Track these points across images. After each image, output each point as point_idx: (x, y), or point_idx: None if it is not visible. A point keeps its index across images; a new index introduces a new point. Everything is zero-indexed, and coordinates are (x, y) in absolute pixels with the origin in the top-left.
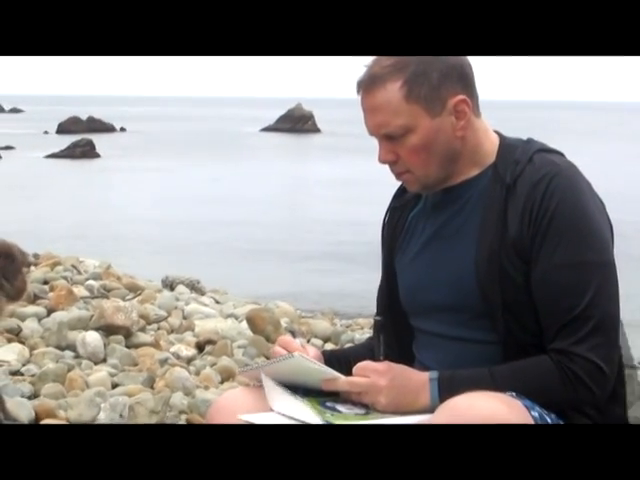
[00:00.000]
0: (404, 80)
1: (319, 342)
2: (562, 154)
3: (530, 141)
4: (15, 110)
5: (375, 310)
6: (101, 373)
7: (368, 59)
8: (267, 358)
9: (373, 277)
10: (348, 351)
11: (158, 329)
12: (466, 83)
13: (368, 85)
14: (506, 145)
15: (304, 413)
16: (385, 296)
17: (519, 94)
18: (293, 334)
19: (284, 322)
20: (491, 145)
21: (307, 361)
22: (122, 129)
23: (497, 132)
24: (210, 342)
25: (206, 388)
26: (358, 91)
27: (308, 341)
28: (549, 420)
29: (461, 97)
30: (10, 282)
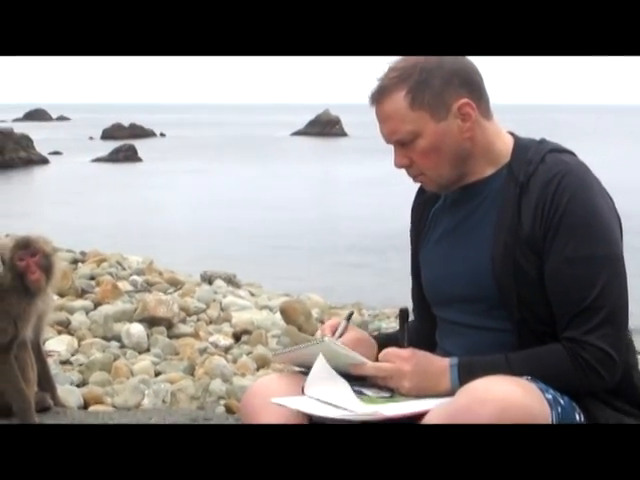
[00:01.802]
0: (408, 89)
1: None
2: (573, 154)
3: (543, 141)
4: (62, 118)
5: (400, 300)
6: (145, 362)
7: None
8: None
9: (398, 270)
10: (384, 337)
11: (198, 320)
12: (472, 87)
13: (378, 96)
14: (520, 145)
15: (341, 395)
16: (412, 288)
17: (536, 98)
18: (350, 316)
19: (315, 313)
20: (504, 145)
21: (336, 346)
22: (162, 134)
23: (512, 133)
24: (246, 332)
25: (243, 375)
26: (371, 103)
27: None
28: (562, 402)
29: (465, 101)
30: (11, 281)
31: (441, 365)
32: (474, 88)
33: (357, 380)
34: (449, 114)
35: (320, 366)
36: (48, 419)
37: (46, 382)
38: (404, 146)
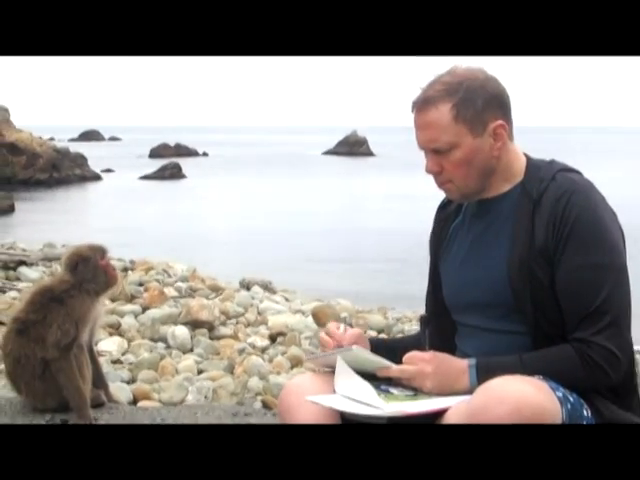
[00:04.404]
0: (454, 103)
1: (374, 333)
2: (580, 173)
3: (553, 162)
4: (113, 138)
5: (421, 305)
6: (188, 361)
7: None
8: None
9: (420, 278)
10: (398, 340)
11: (237, 323)
12: (505, 110)
13: (422, 105)
14: (532, 165)
15: (365, 394)
16: (431, 295)
17: (546, 121)
18: (345, 321)
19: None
20: (520, 165)
21: (364, 352)
22: (205, 154)
23: (524, 154)
24: (281, 334)
25: (278, 373)
26: (413, 109)
27: (364, 332)
28: (571, 399)
29: (500, 122)
30: (93, 281)
31: (460, 366)
32: (507, 111)
33: (384, 380)
34: (485, 132)
35: (341, 368)
36: (102, 414)
37: (99, 380)
38: (439, 154)
